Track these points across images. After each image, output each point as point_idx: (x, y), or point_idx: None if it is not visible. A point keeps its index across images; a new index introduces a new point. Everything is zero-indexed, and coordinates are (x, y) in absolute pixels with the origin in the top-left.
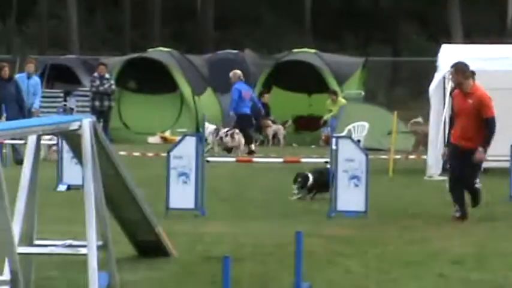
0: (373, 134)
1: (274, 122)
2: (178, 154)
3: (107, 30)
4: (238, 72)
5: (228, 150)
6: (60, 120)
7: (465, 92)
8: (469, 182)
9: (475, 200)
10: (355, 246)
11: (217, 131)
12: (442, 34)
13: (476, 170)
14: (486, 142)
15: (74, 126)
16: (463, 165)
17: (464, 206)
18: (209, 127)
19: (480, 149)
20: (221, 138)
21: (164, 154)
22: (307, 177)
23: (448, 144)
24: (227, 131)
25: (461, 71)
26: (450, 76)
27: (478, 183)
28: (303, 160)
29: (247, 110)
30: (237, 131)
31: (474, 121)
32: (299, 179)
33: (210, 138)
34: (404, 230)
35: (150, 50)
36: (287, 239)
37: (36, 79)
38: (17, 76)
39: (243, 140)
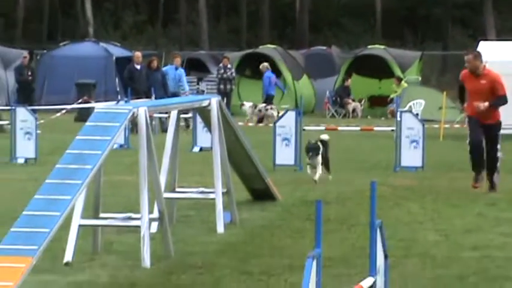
0: (427, 108)
1: (353, 100)
2: (282, 124)
3: (229, 31)
4: (266, 64)
5: (260, 120)
6: (194, 99)
7: (477, 74)
8: (494, 153)
9: (492, 171)
10: (415, 193)
11: (254, 105)
12: (479, 33)
13: (497, 142)
14: (495, 104)
15: (205, 103)
16: (483, 137)
17: (481, 173)
18: (246, 104)
19: (487, 104)
20: (259, 110)
21: (271, 124)
22: (318, 147)
23: (468, 117)
24: (265, 106)
25: (478, 56)
26: (466, 60)
27: (500, 153)
28: (375, 128)
29: (273, 92)
30: (273, 106)
31: (487, 99)
32: (310, 148)
33: (248, 112)
34: (452, 180)
35: (261, 47)
36: (363, 187)
37: (181, 70)
38: (166, 67)
39: (275, 112)
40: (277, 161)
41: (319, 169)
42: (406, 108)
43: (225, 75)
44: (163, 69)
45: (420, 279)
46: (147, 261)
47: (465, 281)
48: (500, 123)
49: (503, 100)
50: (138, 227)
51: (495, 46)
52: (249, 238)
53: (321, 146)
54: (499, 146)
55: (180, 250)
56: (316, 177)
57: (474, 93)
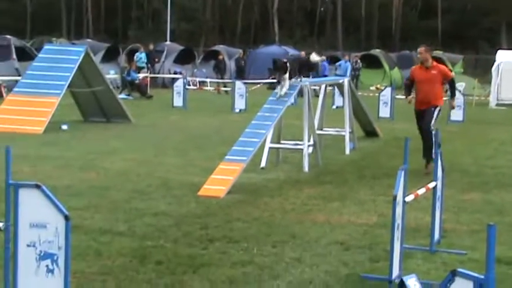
0: (466, 88)
1: None
2: (383, 94)
3: (357, 41)
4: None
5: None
6: (334, 78)
7: (427, 66)
8: (427, 125)
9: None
10: (459, 136)
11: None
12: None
13: (433, 116)
14: (454, 94)
15: (341, 81)
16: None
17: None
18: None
19: (452, 99)
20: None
21: (376, 94)
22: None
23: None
24: None
25: (428, 50)
26: (419, 52)
27: (434, 129)
28: None
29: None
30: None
31: (434, 86)
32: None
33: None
34: (480, 129)
35: (371, 50)
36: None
37: (348, 63)
38: (341, 62)
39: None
40: (380, 115)
41: (286, 85)
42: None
43: (356, 66)
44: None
45: (462, 184)
46: (306, 168)
47: (487, 186)
48: (436, 106)
49: (454, 83)
50: (302, 149)
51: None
52: (363, 157)
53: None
54: (433, 121)
55: (324, 162)
56: (283, 91)
57: (424, 82)
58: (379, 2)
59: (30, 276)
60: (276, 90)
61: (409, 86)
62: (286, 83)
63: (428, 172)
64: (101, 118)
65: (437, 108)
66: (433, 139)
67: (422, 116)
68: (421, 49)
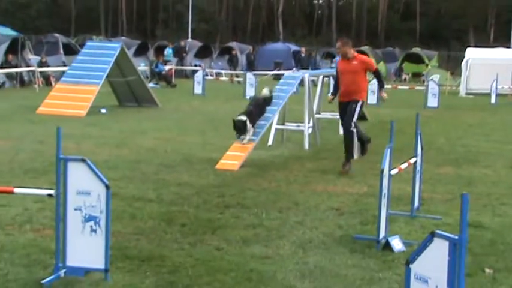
0: (440, 79)
1: (405, 73)
2: (371, 83)
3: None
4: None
5: None
6: (330, 71)
7: (348, 57)
8: (347, 124)
9: (362, 148)
10: (434, 120)
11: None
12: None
13: (353, 115)
14: (382, 85)
15: (335, 73)
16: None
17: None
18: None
19: (381, 90)
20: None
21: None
22: (244, 122)
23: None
24: None
25: (346, 43)
26: (337, 47)
27: (354, 128)
28: (416, 87)
29: None
30: None
31: (357, 77)
32: (237, 127)
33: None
34: (453, 115)
35: (361, 47)
36: (408, 114)
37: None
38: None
39: None
40: (368, 102)
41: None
42: (430, 78)
43: None
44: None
45: (437, 160)
46: (306, 146)
47: (458, 161)
48: (357, 101)
49: (379, 74)
50: (302, 130)
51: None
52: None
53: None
54: (354, 119)
55: (321, 142)
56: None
57: (346, 73)
58: (367, 6)
59: (77, 235)
60: (242, 139)
61: (336, 81)
62: (250, 132)
63: (345, 172)
64: (133, 103)
65: (359, 104)
66: (353, 138)
67: (345, 110)
68: (338, 44)
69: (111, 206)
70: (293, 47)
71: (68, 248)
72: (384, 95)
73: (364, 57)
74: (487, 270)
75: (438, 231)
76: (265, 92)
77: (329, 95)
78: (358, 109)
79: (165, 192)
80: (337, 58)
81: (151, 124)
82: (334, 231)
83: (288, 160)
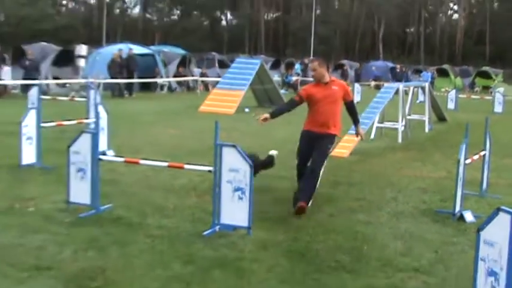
0: (505, 91)
1: (476, 86)
2: (450, 94)
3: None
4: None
5: None
6: (419, 83)
7: (325, 81)
8: (316, 164)
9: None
10: (499, 123)
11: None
12: None
13: (326, 155)
14: (358, 120)
15: (423, 85)
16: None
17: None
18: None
19: (357, 126)
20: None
21: (445, 94)
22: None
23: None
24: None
25: (322, 64)
26: (312, 68)
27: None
28: (485, 97)
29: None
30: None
31: (336, 106)
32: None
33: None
34: None
35: (443, 65)
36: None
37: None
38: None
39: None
40: (448, 107)
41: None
42: (496, 90)
43: (432, 75)
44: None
45: (502, 153)
46: (399, 140)
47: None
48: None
49: (354, 106)
50: (397, 128)
51: None
52: (437, 134)
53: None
54: (324, 163)
55: (411, 137)
56: None
57: (323, 100)
58: (448, 33)
59: (228, 201)
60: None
61: (292, 104)
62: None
63: (300, 212)
64: (270, 104)
65: (333, 143)
66: (317, 181)
67: (313, 142)
68: (313, 64)
69: (256, 182)
70: (390, 64)
71: (222, 210)
72: (362, 131)
73: (342, 82)
74: None
75: (502, 207)
76: (272, 152)
77: (266, 114)
78: (331, 150)
79: (295, 172)
80: (424, 72)
81: (282, 120)
82: (420, 205)
83: (385, 150)
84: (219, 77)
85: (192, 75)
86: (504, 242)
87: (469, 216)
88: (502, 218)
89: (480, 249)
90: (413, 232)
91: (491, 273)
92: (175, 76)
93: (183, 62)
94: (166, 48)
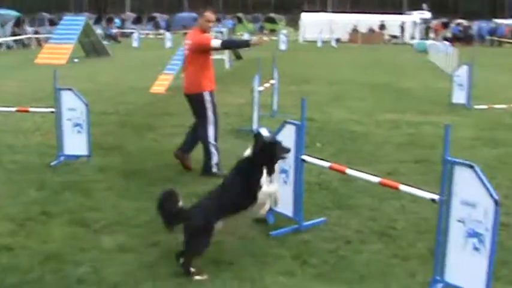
0: (287, 33)
1: None
2: None
3: None
4: None
5: None
6: (220, 29)
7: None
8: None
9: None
10: (284, 58)
11: None
12: None
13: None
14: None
15: (222, 30)
16: None
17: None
18: None
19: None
20: None
21: None
22: None
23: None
24: None
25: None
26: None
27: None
28: None
29: None
30: None
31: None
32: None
33: None
34: (294, 52)
35: (270, 14)
36: None
37: None
38: None
39: None
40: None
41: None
42: (281, 32)
43: (234, 23)
44: None
45: (287, 81)
46: None
47: (299, 82)
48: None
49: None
50: None
51: (308, 14)
52: None
53: None
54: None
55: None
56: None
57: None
58: None
59: (69, 135)
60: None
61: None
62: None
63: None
64: (96, 54)
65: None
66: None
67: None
68: (212, 16)
69: (92, 118)
70: (194, 15)
71: (65, 143)
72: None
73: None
74: (318, 144)
75: (288, 120)
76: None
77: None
78: (205, 111)
79: (120, 108)
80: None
81: (106, 66)
82: (226, 126)
83: None
84: (50, 33)
85: (26, 34)
86: (291, 144)
87: (264, 132)
88: (289, 128)
89: None
90: (222, 147)
91: (283, 171)
92: (12, 35)
93: (18, 23)
94: (2, 11)
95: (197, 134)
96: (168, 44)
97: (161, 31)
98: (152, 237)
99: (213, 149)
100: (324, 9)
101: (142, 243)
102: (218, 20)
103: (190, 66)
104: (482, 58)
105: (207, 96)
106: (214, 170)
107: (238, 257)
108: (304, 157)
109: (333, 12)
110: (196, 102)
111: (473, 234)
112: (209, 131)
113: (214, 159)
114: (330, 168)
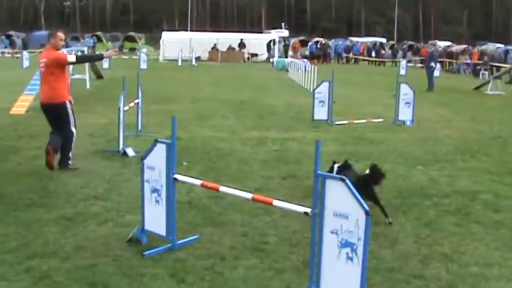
0: (148, 51)
1: None
2: None
3: None
4: None
5: None
6: (80, 48)
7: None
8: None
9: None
10: (149, 76)
11: None
12: None
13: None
14: None
15: (83, 48)
16: None
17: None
18: None
19: None
20: None
21: None
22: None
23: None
24: None
25: None
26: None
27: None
28: None
29: None
30: None
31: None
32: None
33: None
34: (155, 72)
35: (130, 33)
36: None
37: None
38: None
39: None
40: (104, 66)
41: None
42: (141, 51)
43: (94, 41)
44: None
45: (149, 101)
46: None
47: (163, 101)
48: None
49: None
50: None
51: (168, 33)
52: None
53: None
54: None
55: (77, 92)
56: None
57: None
58: (99, 5)
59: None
60: None
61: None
62: None
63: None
64: None
65: None
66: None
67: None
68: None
69: None
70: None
71: None
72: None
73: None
74: (184, 163)
75: (159, 139)
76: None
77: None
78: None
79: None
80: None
81: None
82: (90, 147)
83: None
84: None
85: None
86: (162, 165)
87: (130, 152)
88: (160, 147)
89: (144, 172)
90: (89, 168)
91: (155, 190)
92: None
93: None
94: None
95: (62, 137)
96: (26, 64)
97: (17, 50)
98: (23, 263)
99: (73, 144)
100: (184, 28)
101: (13, 270)
102: (77, 39)
103: (49, 81)
104: (339, 75)
105: (68, 105)
106: (70, 162)
107: (113, 278)
108: (176, 176)
109: (193, 31)
110: (60, 110)
111: (346, 244)
112: (74, 130)
113: (71, 153)
114: (202, 185)
